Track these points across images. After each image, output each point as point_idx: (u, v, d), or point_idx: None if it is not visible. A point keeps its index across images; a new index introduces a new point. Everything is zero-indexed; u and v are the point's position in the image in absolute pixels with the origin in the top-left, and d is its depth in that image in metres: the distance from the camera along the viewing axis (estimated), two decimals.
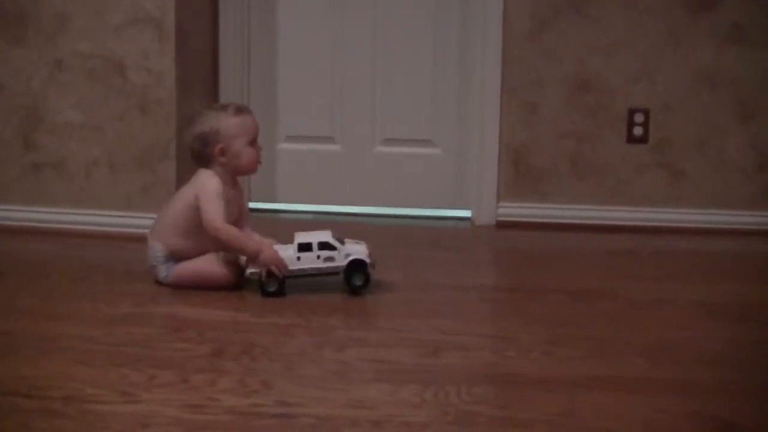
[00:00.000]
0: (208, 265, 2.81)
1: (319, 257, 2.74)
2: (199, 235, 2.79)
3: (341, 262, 2.75)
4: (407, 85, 3.84)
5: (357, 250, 2.77)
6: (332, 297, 2.77)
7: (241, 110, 2.87)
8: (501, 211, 3.75)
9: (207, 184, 2.80)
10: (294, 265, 2.74)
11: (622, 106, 3.70)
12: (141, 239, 2.92)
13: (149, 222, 2.93)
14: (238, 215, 2.87)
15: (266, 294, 2.74)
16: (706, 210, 3.73)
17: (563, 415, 1.97)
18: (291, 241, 2.79)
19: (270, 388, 2.09)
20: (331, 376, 2.17)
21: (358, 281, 2.75)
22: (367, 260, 2.75)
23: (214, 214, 2.75)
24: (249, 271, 2.76)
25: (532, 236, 3.62)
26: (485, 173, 3.74)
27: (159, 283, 2.84)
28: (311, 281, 2.79)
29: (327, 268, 2.75)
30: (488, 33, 3.68)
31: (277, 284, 2.73)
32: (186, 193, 2.85)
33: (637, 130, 3.70)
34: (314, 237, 2.77)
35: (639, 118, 3.69)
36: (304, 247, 2.75)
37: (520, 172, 3.74)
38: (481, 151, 3.75)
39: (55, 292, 2.80)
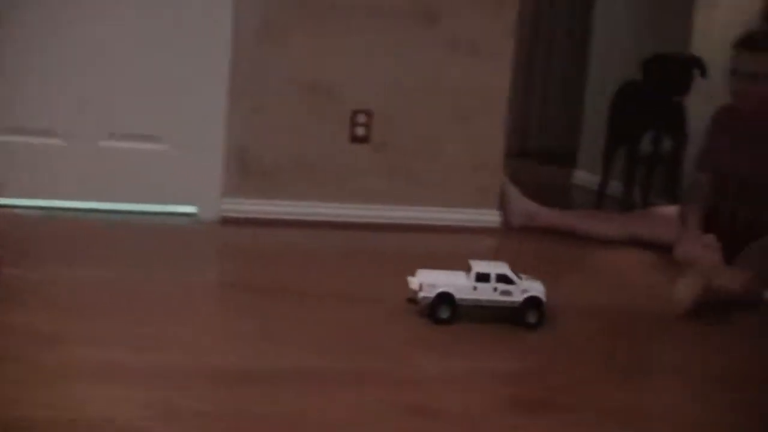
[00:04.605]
0: None
1: (495, 289, 2.67)
2: None
3: (517, 297, 2.68)
4: (134, 79, 3.77)
5: (534, 287, 2.70)
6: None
7: None
8: (226, 207, 3.77)
9: None
10: (470, 295, 2.66)
11: (346, 107, 3.81)
12: None
13: None
14: None
15: (437, 321, 2.65)
16: (425, 208, 3.90)
17: (266, 406, 2.02)
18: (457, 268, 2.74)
19: None
20: (42, 378, 2.12)
21: (532, 318, 2.68)
22: (544, 299, 2.69)
23: None
24: (421, 295, 2.67)
25: (256, 232, 3.67)
26: (211, 170, 3.76)
27: None
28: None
29: (502, 301, 2.68)
30: (217, 32, 3.69)
31: (449, 311, 2.65)
32: None
33: (360, 131, 3.82)
34: (492, 268, 2.69)
35: (362, 118, 3.81)
36: (482, 278, 2.67)
37: (245, 169, 3.78)
38: (207, 147, 3.75)
39: None
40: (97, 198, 3.81)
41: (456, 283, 2.67)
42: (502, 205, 4.02)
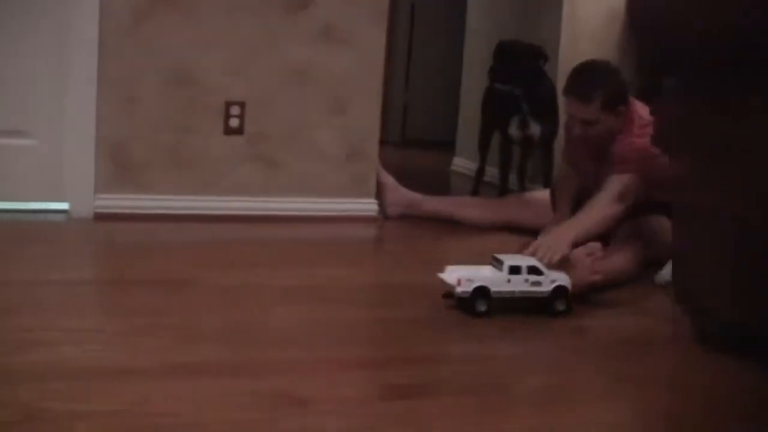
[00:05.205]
0: None
1: (527, 281, 2.76)
2: None
3: (547, 287, 2.77)
4: (2, 73, 3.70)
5: (560, 276, 2.81)
6: None
7: None
8: (99, 203, 3.71)
9: None
10: (504, 287, 2.74)
11: (219, 99, 3.80)
12: None
13: None
14: None
15: (475, 314, 2.71)
16: (299, 198, 3.92)
17: (135, 404, 2.01)
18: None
19: None
20: None
21: (560, 306, 2.79)
22: (570, 288, 2.80)
23: None
24: (459, 290, 2.72)
25: (130, 228, 3.62)
26: (82, 165, 3.70)
27: None
28: None
29: (533, 292, 2.77)
30: (84, 24, 3.63)
31: (486, 304, 2.72)
32: None
33: (234, 122, 3.81)
34: (521, 261, 2.79)
35: (235, 110, 3.81)
36: (514, 270, 2.75)
37: (118, 164, 3.73)
38: (77, 142, 3.70)
39: None
40: None
41: (491, 276, 2.77)
42: (378, 194, 4.06)
